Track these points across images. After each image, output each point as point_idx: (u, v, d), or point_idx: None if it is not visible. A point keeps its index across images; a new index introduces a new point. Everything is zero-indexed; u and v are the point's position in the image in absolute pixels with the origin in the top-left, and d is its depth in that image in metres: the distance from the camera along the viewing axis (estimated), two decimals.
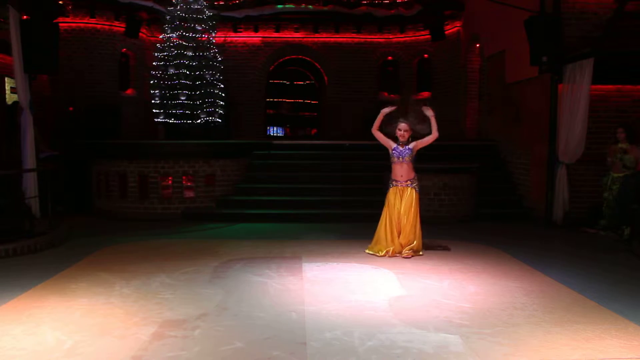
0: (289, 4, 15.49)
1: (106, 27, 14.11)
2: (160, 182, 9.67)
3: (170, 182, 9.72)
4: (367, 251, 6.91)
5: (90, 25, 13.93)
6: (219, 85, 13.31)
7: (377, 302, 4.92)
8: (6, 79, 11.07)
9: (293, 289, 5.31)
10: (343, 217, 9.48)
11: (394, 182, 6.85)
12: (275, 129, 25.18)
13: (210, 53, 13.14)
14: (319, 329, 4.23)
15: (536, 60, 8.78)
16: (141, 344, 3.92)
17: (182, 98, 12.81)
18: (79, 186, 10.42)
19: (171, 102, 12.91)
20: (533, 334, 4.15)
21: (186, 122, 12.86)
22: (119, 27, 14.18)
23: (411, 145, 6.78)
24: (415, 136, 6.81)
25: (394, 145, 6.85)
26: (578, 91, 8.47)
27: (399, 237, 6.77)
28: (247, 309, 4.73)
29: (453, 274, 5.93)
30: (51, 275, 5.76)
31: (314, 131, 23.19)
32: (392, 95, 16.50)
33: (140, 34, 14.45)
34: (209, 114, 12.97)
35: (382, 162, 10.21)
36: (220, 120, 13.41)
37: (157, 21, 14.28)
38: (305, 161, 11.00)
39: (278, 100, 24.44)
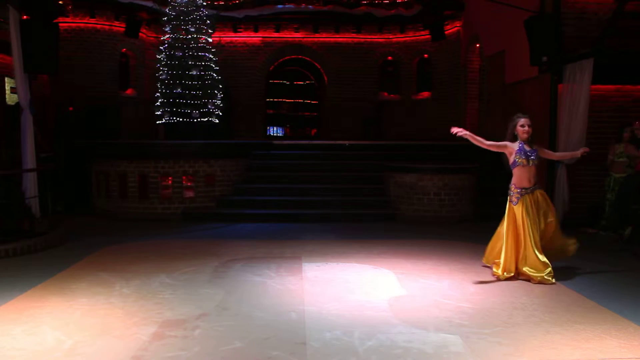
0: (289, 3, 15.49)
1: (106, 27, 14.11)
2: (160, 182, 9.67)
3: (170, 182, 9.72)
4: (484, 261, 6.05)
5: (90, 25, 13.94)
6: (217, 85, 13.27)
7: (377, 302, 4.92)
8: (6, 79, 11.06)
9: (293, 289, 5.31)
10: (343, 217, 9.48)
11: (522, 191, 5.69)
12: (275, 129, 25.14)
13: (207, 53, 13.10)
14: (319, 329, 4.23)
15: (536, 60, 8.78)
16: (141, 344, 3.92)
17: (180, 99, 12.82)
18: (79, 186, 10.41)
19: (169, 102, 12.92)
20: (533, 334, 4.15)
21: (185, 122, 12.86)
22: (119, 27, 14.19)
23: (535, 148, 5.78)
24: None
25: (517, 145, 5.72)
26: (578, 91, 8.47)
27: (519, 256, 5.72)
28: (247, 309, 4.73)
29: (453, 274, 5.93)
30: (51, 275, 5.76)
31: (314, 131, 23.18)
32: (392, 95, 16.53)
33: (140, 34, 14.45)
34: (206, 114, 12.95)
35: (382, 162, 10.31)
36: (218, 121, 13.41)
37: (157, 21, 14.29)
38: (305, 161, 10.99)
39: (278, 100, 24.44)
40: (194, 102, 12.82)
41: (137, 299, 4.99)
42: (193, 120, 12.82)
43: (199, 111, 12.82)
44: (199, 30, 13.00)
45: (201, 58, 12.92)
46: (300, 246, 7.29)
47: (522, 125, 5.73)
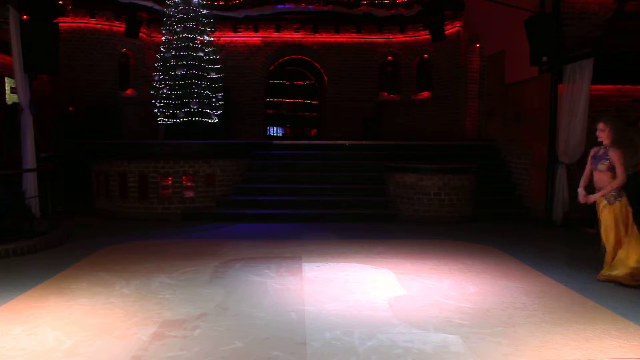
0: (289, 4, 15.48)
1: (106, 27, 14.12)
2: (160, 182, 9.67)
3: (170, 182, 9.72)
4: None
5: (90, 25, 13.95)
6: (202, 85, 13.18)
7: (377, 302, 4.93)
8: (6, 79, 11.08)
9: (293, 289, 5.31)
10: (343, 217, 9.48)
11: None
12: (275, 129, 25.21)
13: (192, 52, 13.03)
14: (319, 329, 4.23)
15: (536, 60, 8.78)
16: (141, 344, 3.92)
17: (165, 99, 12.81)
18: (79, 186, 10.41)
19: (167, 102, 12.91)
20: (533, 334, 4.16)
21: (185, 122, 12.84)
22: (119, 27, 14.19)
23: (611, 153, 5.60)
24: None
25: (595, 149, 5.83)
26: (578, 91, 8.47)
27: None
28: (247, 309, 4.73)
29: (453, 274, 5.93)
30: (51, 275, 5.76)
31: (314, 131, 23.21)
32: (392, 95, 16.53)
33: (140, 34, 14.45)
34: (190, 114, 12.89)
35: (382, 162, 10.30)
36: (218, 121, 13.39)
37: (157, 21, 14.28)
38: (305, 161, 10.99)
39: (278, 100, 24.46)
40: (177, 102, 12.78)
41: (137, 299, 4.99)
42: (183, 119, 12.79)
43: (182, 111, 12.78)
44: (186, 30, 12.92)
45: (185, 57, 12.83)
46: (300, 246, 7.29)
47: (597, 128, 5.74)
